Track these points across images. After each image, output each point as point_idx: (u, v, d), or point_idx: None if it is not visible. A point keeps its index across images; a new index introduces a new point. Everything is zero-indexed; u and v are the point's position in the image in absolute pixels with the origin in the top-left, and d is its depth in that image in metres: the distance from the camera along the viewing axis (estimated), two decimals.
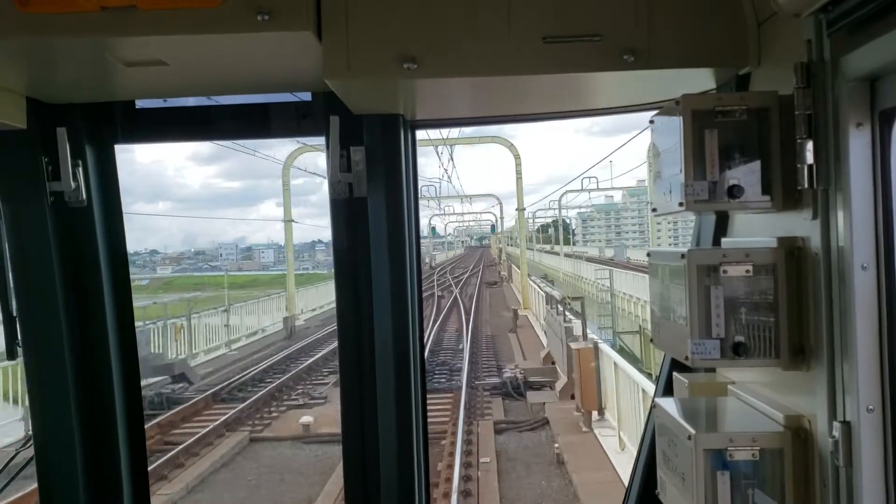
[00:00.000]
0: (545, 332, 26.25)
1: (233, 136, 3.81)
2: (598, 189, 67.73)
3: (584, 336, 19.11)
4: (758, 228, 2.60)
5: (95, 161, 3.49)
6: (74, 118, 3.40)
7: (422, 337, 3.56)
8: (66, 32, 2.60)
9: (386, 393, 3.42)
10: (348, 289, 3.45)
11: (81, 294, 3.51)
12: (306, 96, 3.47)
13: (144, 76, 3.04)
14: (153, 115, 3.59)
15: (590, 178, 67.61)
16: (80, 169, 3.41)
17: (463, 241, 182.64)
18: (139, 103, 3.54)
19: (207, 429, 18.73)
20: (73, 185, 3.37)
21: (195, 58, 2.89)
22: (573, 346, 17.53)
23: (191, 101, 3.61)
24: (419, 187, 3.57)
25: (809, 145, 2.20)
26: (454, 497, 12.67)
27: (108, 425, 3.57)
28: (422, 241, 3.76)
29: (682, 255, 2.37)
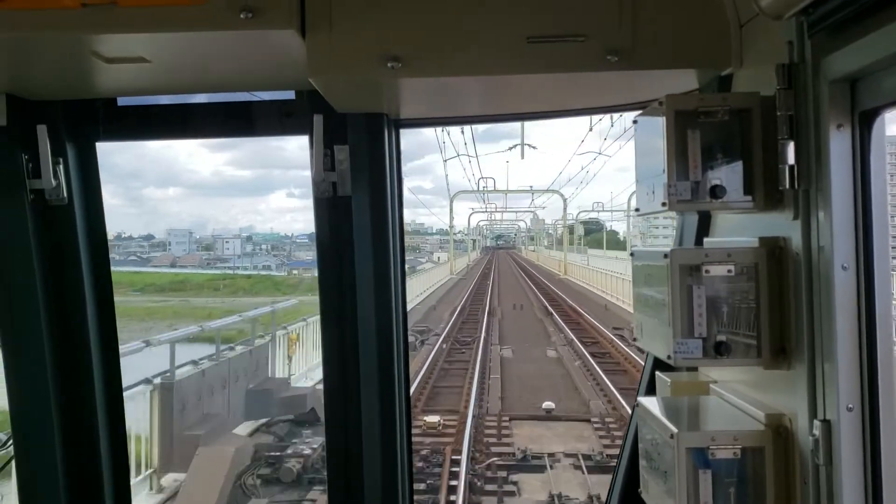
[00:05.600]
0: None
1: (215, 135, 3.78)
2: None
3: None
4: (740, 228, 2.62)
5: (76, 158, 3.46)
6: (55, 115, 3.37)
7: (405, 335, 3.55)
8: (46, 28, 2.57)
9: (370, 391, 3.42)
10: (332, 287, 3.44)
11: (61, 292, 3.48)
12: (290, 94, 3.45)
13: (126, 73, 3.02)
14: (135, 112, 3.56)
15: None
16: (61, 166, 3.37)
17: (475, 240, 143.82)
18: (121, 100, 3.51)
19: None
20: (53, 182, 3.34)
21: (177, 55, 2.87)
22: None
23: (173, 99, 3.58)
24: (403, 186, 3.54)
25: (791, 146, 2.22)
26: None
27: (88, 423, 3.54)
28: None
29: (665, 255, 2.38)
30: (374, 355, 3.40)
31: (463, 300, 46.94)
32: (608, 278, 45.41)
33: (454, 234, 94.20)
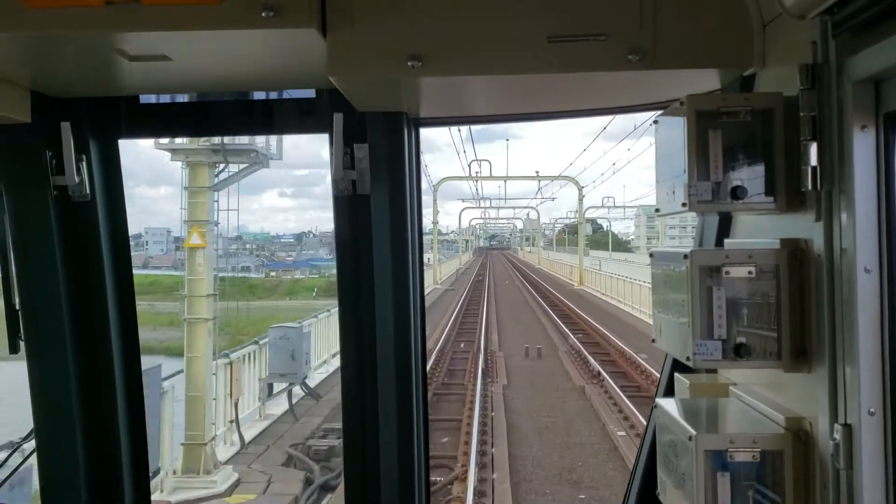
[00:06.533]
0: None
1: (236, 132, 3.84)
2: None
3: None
4: (761, 230, 2.60)
5: (99, 155, 3.50)
6: (79, 112, 3.41)
7: (423, 333, 3.56)
8: (70, 27, 2.60)
9: (387, 388, 3.43)
10: (350, 284, 3.46)
11: (84, 288, 3.52)
12: (310, 93, 3.47)
13: (148, 71, 3.04)
14: (157, 110, 3.60)
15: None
16: (84, 163, 3.41)
17: (467, 241, 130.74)
18: (143, 98, 3.55)
19: None
20: (76, 179, 3.38)
21: (199, 53, 2.89)
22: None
23: (194, 97, 3.61)
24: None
25: (813, 147, 2.19)
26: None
27: (109, 418, 3.58)
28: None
29: (685, 256, 2.36)
30: (391, 351, 3.41)
31: (443, 336, 30.83)
32: (645, 292, 31.31)
33: (445, 233, 75.44)
